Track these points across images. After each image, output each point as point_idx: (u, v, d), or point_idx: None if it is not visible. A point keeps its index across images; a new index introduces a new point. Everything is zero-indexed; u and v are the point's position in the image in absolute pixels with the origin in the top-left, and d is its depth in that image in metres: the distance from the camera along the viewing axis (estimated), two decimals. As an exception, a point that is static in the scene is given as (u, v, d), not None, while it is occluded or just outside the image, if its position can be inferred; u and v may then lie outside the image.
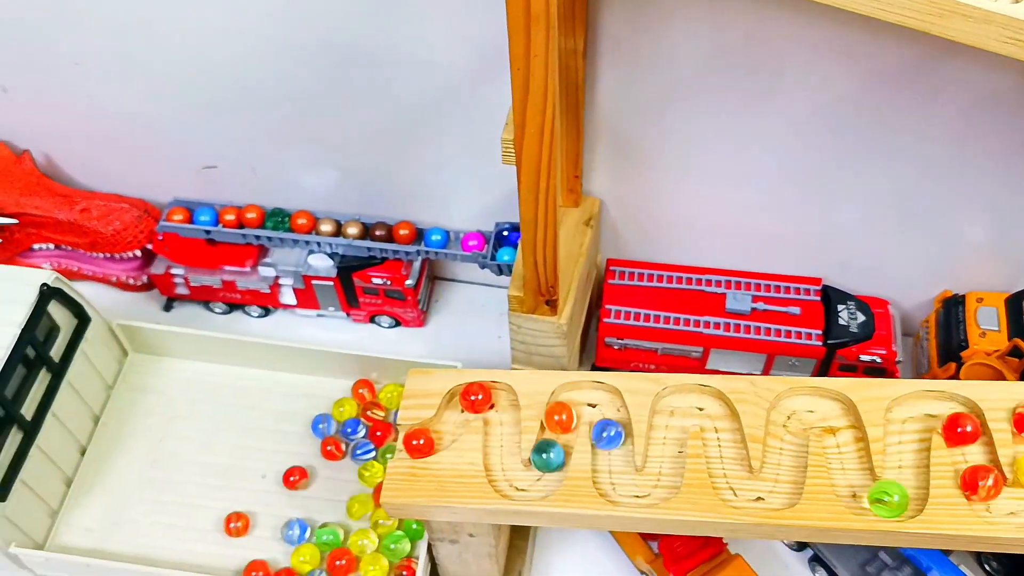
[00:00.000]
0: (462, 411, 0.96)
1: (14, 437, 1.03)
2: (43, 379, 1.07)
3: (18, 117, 1.34)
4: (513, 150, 0.89)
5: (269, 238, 1.30)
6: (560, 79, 0.94)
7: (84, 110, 1.29)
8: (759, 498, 0.86)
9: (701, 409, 0.92)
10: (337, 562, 1.07)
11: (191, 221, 1.32)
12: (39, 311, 1.04)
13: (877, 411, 0.87)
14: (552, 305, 1.10)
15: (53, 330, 1.09)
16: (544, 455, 0.89)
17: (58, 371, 1.09)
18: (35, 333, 1.04)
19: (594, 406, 0.94)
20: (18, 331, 1.02)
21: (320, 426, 1.18)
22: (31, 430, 1.05)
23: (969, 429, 0.84)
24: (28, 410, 1.05)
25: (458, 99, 1.16)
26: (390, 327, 1.41)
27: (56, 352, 1.09)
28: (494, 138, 1.18)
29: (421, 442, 0.91)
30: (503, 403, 0.97)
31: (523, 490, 0.90)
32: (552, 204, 0.94)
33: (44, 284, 1.05)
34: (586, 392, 0.95)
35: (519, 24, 0.75)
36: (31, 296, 1.04)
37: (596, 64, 1.07)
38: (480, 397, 0.94)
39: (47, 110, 1.31)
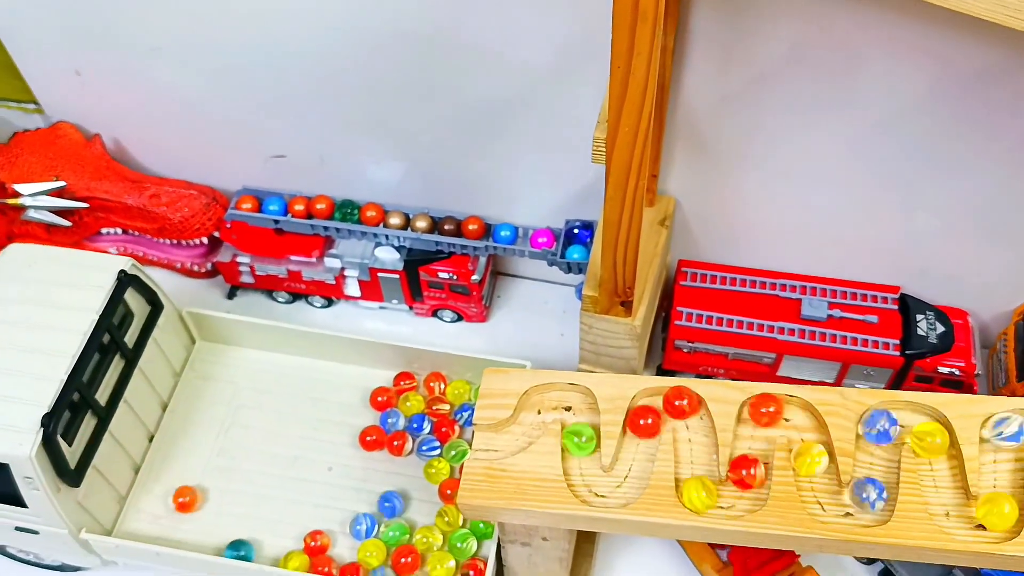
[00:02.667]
0: (539, 412, 0.95)
1: (88, 422, 1.03)
2: (116, 365, 1.08)
3: (90, 101, 1.34)
4: (604, 149, 0.87)
5: (337, 229, 1.30)
6: (650, 78, 0.92)
7: (156, 96, 1.29)
8: (848, 514, 0.84)
9: (787, 420, 0.90)
10: (403, 559, 1.07)
11: (260, 210, 1.31)
12: (116, 298, 1.05)
13: (972, 428, 0.85)
14: (627, 306, 1.08)
15: (127, 317, 1.10)
16: (239, 552, 1.07)
17: (131, 358, 1.09)
18: (111, 319, 1.04)
19: (676, 412, 0.92)
20: (96, 317, 1.02)
21: (389, 421, 1.17)
22: (105, 416, 1.05)
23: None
24: (102, 396, 1.05)
25: (534, 96, 1.14)
26: (452, 322, 1.40)
27: (130, 339, 1.10)
28: (567, 136, 1.17)
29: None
30: (579, 406, 0.95)
31: (603, 496, 0.89)
32: (639, 205, 0.92)
33: (122, 271, 1.05)
34: (668, 398, 0.93)
35: (625, 21, 0.73)
36: (108, 282, 1.05)
37: (681, 63, 1.05)
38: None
39: (119, 95, 1.31)
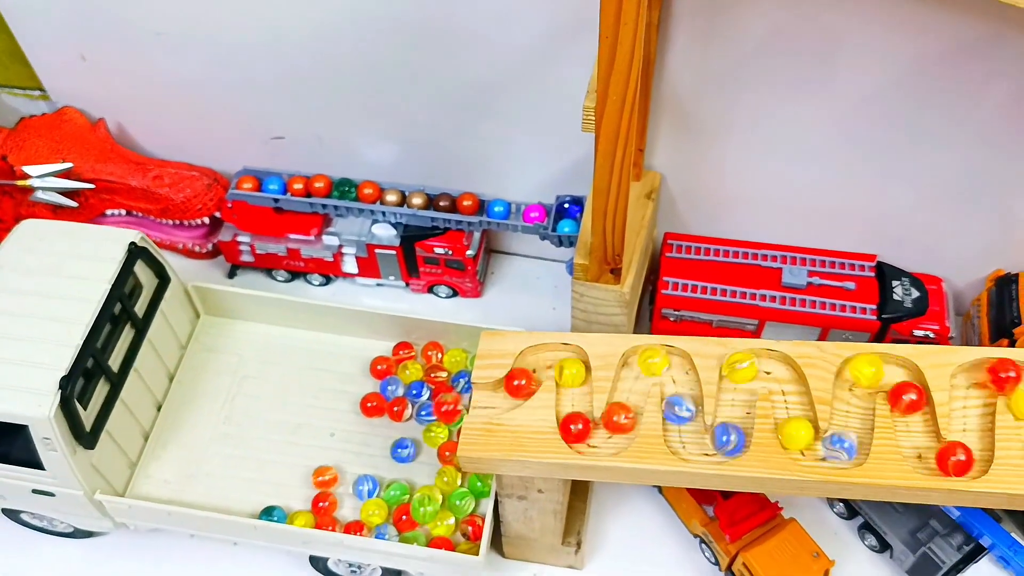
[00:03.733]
0: (534, 371, 0.99)
1: (102, 388, 1.07)
2: (127, 335, 1.12)
3: (94, 86, 1.38)
4: (594, 118, 0.92)
5: (335, 207, 1.34)
6: (636, 52, 0.97)
7: (158, 81, 1.33)
8: (824, 458, 0.89)
9: (768, 373, 0.95)
10: (403, 517, 1.11)
11: (260, 189, 1.36)
12: (127, 269, 1.09)
13: (943, 376, 0.90)
14: (616, 274, 1.13)
15: (136, 288, 1.14)
16: (272, 517, 1.10)
17: (140, 328, 1.14)
18: (122, 290, 1.08)
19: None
20: (108, 287, 1.06)
21: (389, 388, 1.21)
22: (117, 382, 1.09)
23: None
24: (114, 363, 1.09)
25: (525, 77, 1.19)
26: (447, 297, 1.44)
27: (139, 309, 1.14)
28: (557, 113, 1.21)
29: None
30: (573, 365, 1.00)
31: (595, 447, 0.94)
32: (626, 173, 0.97)
33: (132, 243, 1.10)
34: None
35: (612, -8, 0.78)
36: (119, 254, 1.09)
37: (666, 41, 1.10)
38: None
39: (122, 80, 1.35)
